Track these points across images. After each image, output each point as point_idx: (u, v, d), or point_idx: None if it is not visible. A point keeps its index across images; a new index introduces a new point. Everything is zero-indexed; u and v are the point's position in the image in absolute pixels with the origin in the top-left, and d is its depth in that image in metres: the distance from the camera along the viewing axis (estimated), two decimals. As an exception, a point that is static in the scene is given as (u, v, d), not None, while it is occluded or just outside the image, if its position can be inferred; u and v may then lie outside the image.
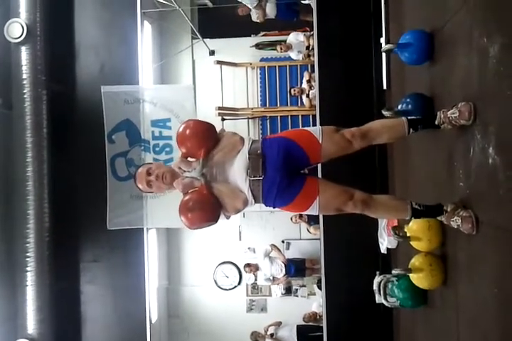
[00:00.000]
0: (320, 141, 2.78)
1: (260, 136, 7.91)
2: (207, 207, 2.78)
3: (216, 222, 2.85)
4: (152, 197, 5.68)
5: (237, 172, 2.81)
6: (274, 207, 2.90)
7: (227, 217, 2.89)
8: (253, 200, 2.83)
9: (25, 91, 5.28)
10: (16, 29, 5.22)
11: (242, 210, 2.88)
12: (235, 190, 2.82)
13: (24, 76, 5.29)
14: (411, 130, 2.84)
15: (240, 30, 8.00)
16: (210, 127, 2.93)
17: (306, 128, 2.96)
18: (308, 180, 2.83)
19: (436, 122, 2.81)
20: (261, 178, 2.78)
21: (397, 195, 4.55)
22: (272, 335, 7.66)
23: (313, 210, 2.82)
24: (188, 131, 2.86)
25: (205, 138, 2.86)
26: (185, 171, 2.87)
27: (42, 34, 5.36)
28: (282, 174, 2.78)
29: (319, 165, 4.94)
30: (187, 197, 2.79)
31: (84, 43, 5.90)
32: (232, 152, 2.85)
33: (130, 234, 5.68)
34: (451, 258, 3.20)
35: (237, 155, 2.84)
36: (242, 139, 2.90)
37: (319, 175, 4.99)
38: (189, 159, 2.91)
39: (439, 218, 2.90)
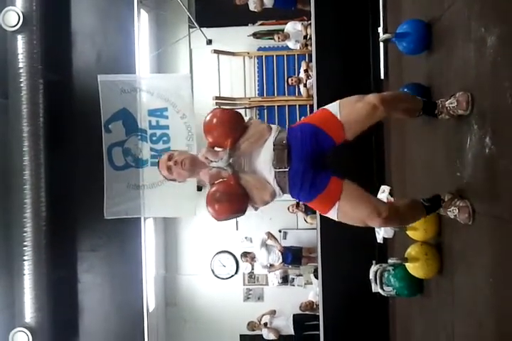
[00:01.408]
0: (339, 118, 2.64)
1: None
2: (235, 199, 2.73)
3: (244, 213, 2.80)
4: (149, 187, 5.69)
5: (263, 163, 2.74)
6: (299, 200, 2.84)
7: (256, 209, 2.84)
8: (280, 192, 2.75)
9: (21, 80, 5.26)
10: (12, 17, 5.18)
11: (270, 202, 2.80)
12: (262, 181, 2.74)
13: (20, 65, 5.25)
14: (421, 111, 2.80)
15: (238, 20, 7.96)
16: (237, 116, 2.84)
17: (326, 106, 2.78)
18: (334, 179, 2.69)
19: (435, 111, 2.81)
20: (286, 170, 2.69)
21: (394, 185, 4.57)
22: (265, 324, 7.70)
23: (333, 215, 2.69)
24: (214, 120, 2.79)
25: (232, 128, 2.78)
26: (212, 161, 2.79)
27: (38, 23, 5.32)
28: (306, 165, 2.68)
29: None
30: (214, 188, 2.73)
31: (80, 32, 5.86)
32: (259, 141, 2.76)
33: (127, 223, 5.69)
34: (446, 248, 3.22)
35: (264, 145, 2.76)
36: (269, 127, 2.80)
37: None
38: (216, 149, 2.83)
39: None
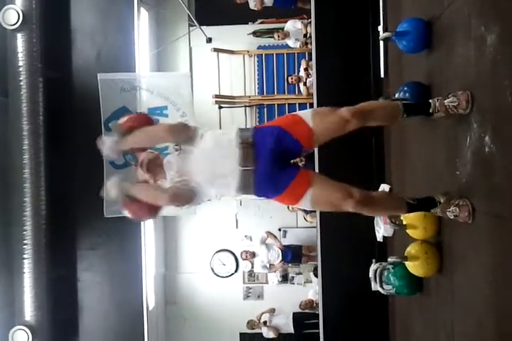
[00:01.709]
0: (311, 126, 2.66)
1: (258, 124, 7.90)
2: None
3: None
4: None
5: (223, 161, 2.71)
6: (267, 198, 2.82)
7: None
8: (241, 191, 2.74)
9: (21, 78, 5.26)
10: (11, 16, 5.18)
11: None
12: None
13: (20, 63, 5.25)
14: (404, 114, 2.79)
15: (238, 18, 7.95)
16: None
17: (297, 112, 2.82)
18: (302, 171, 2.74)
19: (430, 110, 2.80)
20: (252, 168, 2.67)
21: (394, 185, 4.57)
22: (265, 323, 7.71)
23: (305, 203, 2.70)
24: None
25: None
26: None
27: (38, 21, 5.32)
28: (273, 164, 2.68)
29: (316, 157, 4.95)
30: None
31: (80, 30, 5.86)
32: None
33: (127, 221, 5.67)
34: (446, 247, 3.22)
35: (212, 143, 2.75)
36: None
37: (316, 165, 5.00)
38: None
39: (432, 211, 2.84)
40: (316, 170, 4.89)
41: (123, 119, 2.89)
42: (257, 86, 8.09)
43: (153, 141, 2.89)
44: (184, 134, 2.76)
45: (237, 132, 2.73)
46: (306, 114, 2.73)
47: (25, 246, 5.27)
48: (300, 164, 2.77)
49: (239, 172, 2.68)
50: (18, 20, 5.17)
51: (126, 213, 2.87)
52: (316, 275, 6.92)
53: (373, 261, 4.20)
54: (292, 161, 2.91)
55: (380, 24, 4.80)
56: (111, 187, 2.84)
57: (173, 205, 2.81)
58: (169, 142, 2.88)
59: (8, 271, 5.32)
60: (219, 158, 2.71)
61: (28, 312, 5.29)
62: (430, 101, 2.81)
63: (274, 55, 8.01)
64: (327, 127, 2.68)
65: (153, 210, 2.86)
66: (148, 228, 7.14)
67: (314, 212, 6.61)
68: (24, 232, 5.27)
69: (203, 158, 2.73)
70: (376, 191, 3.25)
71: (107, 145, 2.80)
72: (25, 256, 5.27)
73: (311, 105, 6.46)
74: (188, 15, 7.66)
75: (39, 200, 5.32)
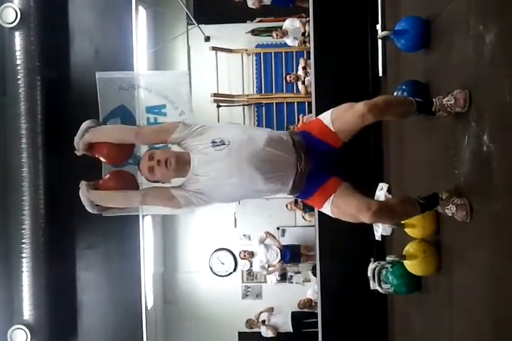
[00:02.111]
0: (332, 129, 2.72)
1: (256, 123, 7.90)
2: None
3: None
4: (148, 184, 5.67)
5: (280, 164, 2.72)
6: (298, 198, 2.92)
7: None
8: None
9: (19, 77, 5.25)
10: (9, 14, 5.18)
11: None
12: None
13: (18, 62, 5.25)
14: (416, 111, 2.81)
15: (236, 16, 7.94)
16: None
17: (319, 117, 2.86)
18: (332, 179, 2.76)
19: (432, 109, 2.80)
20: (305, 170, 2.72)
21: (392, 183, 4.57)
22: (263, 322, 7.71)
23: (327, 209, 2.75)
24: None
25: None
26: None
27: (36, 19, 5.32)
28: (313, 166, 2.74)
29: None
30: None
31: (78, 29, 5.85)
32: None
33: (126, 220, 5.68)
34: (444, 246, 3.22)
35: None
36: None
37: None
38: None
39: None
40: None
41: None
42: (255, 84, 8.08)
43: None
44: None
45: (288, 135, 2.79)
46: (326, 118, 2.77)
47: (23, 245, 5.27)
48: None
49: (293, 174, 2.71)
50: (15, 19, 5.16)
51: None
52: (314, 275, 6.92)
53: (372, 260, 4.21)
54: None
55: (378, 23, 4.80)
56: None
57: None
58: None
59: (7, 269, 5.32)
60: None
61: (27, 311, 5.29)
62: (434, 99, 2.81)
63: (273, 54, 8.00)
64: (346, 126, 2.73)
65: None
66: (147, 227, 7.13)
67: (313, 211, 6.60)
68: (23, 231, 5.27)
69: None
70: (393, 199, 3.28)
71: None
72: (23, 255, 5.27)
73: (309, 104, 6.46)
74: (187, 13, 7.65)
75: (37, 199, 5.32)
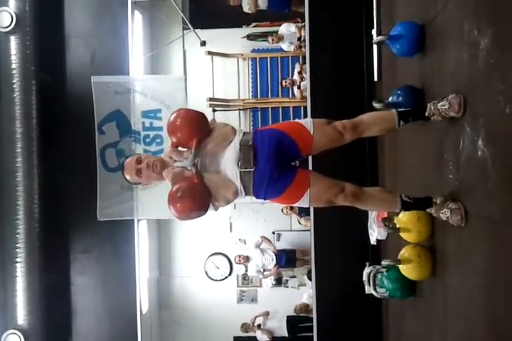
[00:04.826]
0: (312, 133, 2.78)
1: (251, 127, 7.90)
2: (197, 196, 2.76)
3: (205, 212, 2.82)
4: (143, 188, 5.67)
5: (228, 163, 2.81)
6: (264, 199, 2.89)
7: (216, 208, 2.86)
8: (244, 192, 2.82)
9: (14, 81, 5.25)
10: (4, 18, 5.17)
11: (232, 201, 2.87)
12: (225, 180, 2.81)
13: (13, 66, 5.25)
14: (401, 122, 2.84)
15: (232, 21, 7.96)
16: (201, 116, 2.91)
17: (297, 120, 2.96)
18: (300, 172, 2.84)
19: (426, 114, 2.81)
20: (252, 170, 2.77)
21: (388, 187, 4.57)
22: (259, 326, 7.69)
23: (304, 202, 2.81)
24: (179, 121, 2.84)
25: (197, 128, 2.84)
26: (176, 161, 2.85)
27: (31, 23, 5.32)
28: (273, 166, 2.78)
29: (310, 158, 4.95)
30: (177, 186, 2.77)
31: (74, 33, 5.85)
32: (224, 142, 2.84)
33: (120, 225, 5.68)
34: (440, 250, 3.22)
35: (228, 146, 2.83)
36: (233, 129, 2.90)
37: (310, 167, 5.00)
38: (180, 149, 2.89)
39: (428, 210, 2.91)
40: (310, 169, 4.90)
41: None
42: (251, 89, 8.09)
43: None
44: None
45: (239, 136, 2.85)
46: (306, 122, 2.84)
47: (17, 250, 5.25)
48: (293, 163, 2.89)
49: (239, 173, 2.78)
50: (11, 23, 5.16)
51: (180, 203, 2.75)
52: (309, 279, 6.91)
53: (367, 264, 4.21)
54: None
55: (373, 28, 4.82)
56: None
57: (228, 202, 2.86)
58: None
59: (1, 274, 5.30)
60: (226, 161, 2.82)
61: (21, 316, 5.27)
62: (427, 104, 2.83)
63: (268, 59, 8.01)
64: (325, 137, 2.81)
65: (206, 205, 2.82)
66: (142, 231, 7.12)
67: (308, 215, 6.60)
68: (17, 235, 5.25)
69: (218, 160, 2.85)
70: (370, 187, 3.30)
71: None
72: (17, 259, 5.25)
73: (305, 109, 6.47)
74: (182, 18, 7.65)
75: (32, 203, 5.31)
